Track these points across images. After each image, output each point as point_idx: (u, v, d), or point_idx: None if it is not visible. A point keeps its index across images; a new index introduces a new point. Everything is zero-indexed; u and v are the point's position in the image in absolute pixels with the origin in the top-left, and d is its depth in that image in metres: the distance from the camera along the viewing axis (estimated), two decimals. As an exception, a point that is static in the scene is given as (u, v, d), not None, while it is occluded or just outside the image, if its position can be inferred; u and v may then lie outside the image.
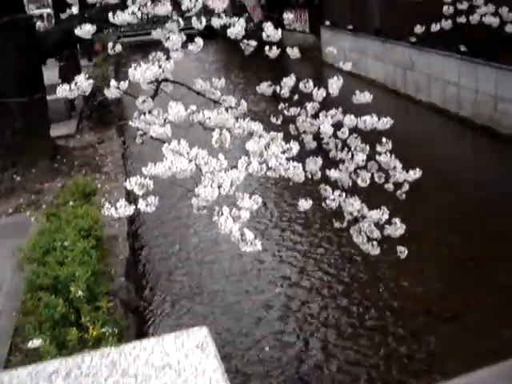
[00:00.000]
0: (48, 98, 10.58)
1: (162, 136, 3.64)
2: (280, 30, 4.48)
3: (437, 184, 8.58)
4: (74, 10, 8.46)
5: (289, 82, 4.76)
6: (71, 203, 6.43)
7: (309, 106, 4.55)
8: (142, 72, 3.70)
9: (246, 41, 4.70)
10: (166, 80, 4.48)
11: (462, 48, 11.75)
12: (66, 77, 15.25)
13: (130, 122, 3.87)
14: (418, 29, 7.05)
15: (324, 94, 4.67)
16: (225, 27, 4.11)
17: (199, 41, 3.89)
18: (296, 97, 4.72)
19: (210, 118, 3.71)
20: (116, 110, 12.42)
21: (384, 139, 4.44)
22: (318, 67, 21.86)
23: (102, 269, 5.36)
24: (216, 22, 3.98)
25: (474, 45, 11.26)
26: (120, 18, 3.90)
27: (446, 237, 7.49)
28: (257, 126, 3.96)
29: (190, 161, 3.29)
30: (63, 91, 3.84)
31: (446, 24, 6.37)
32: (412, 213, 5.79)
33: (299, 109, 4.55)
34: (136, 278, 6.79)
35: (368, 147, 4.49)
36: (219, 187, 3.13)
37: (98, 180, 8.13)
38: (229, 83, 15.90)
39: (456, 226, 7.74)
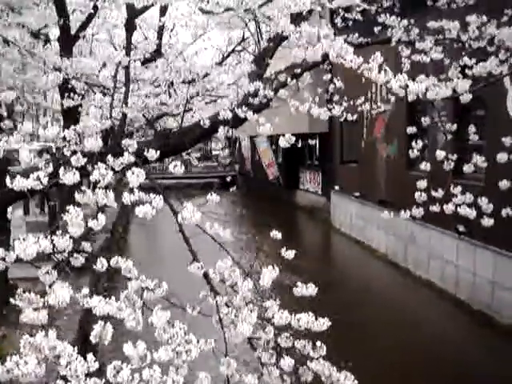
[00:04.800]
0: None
1: (35, 322, 3.11)
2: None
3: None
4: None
5: (223, 265, 4.20)
6: None
7: (237, 297, 4.00)
8: (25, 246, 3.23)
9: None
10: (78, 251, 4.03)
11: (461, 228, 11.32)
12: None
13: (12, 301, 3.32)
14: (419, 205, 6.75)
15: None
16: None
17: (101, 217, 3.43)
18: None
19: (95, 307, 3.18)
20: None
21: (318, 342, 3.84)
22: (325, 229, 21.65)
23: None
24: (127, 198, 3.55)
25: (472, 225, 10.83)
26: (20, 183, 3.50)
27: None
28: (161, 320, 3.41)
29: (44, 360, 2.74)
30: None
31: (435, 208, 6.18)
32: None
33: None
34: None
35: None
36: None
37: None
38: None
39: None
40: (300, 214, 25.59)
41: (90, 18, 11.00)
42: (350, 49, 3.98)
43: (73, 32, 11.06)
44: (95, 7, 10.90)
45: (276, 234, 4.75)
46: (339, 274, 15.16)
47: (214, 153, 49.18)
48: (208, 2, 3.46)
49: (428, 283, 12.96)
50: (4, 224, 8.86)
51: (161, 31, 10.29)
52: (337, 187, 20.03)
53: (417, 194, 6.56)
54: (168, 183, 38.11)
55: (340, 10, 9.30)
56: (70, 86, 7.73)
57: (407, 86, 3.98)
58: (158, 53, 9.96)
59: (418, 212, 6.35)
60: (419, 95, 4.69)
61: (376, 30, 7.65)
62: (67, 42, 10.85)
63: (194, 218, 3.62)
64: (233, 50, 15.04)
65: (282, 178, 29.49)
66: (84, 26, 11.09)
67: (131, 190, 3.54)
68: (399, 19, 6.91)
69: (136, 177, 3.55)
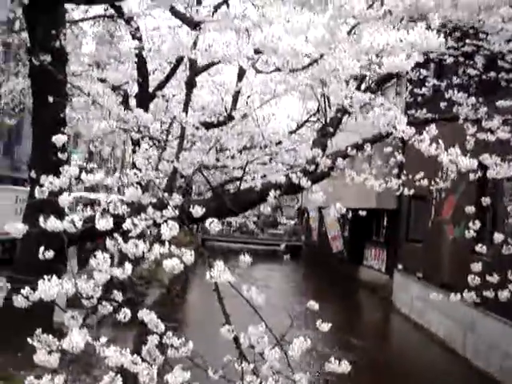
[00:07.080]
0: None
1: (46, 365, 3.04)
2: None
3: None
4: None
5: (254, 331, 4.01)
6: None
7: (265, 366, 3.82)
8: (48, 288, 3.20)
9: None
10: (108, 299, 3.96)
11: (524, 319, 10.75)
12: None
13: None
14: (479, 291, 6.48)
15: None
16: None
17: (128, 266, 3.37)
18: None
19: (108, 358, 3.09)
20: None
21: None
22: (385, 308, 21.05)
23: None
24: (156, 250, 3.48)
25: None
26: (53, 223, 3.50)
27: None
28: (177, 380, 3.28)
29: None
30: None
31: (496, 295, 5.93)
32: None
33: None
34: None
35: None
36: None
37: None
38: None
39: None
40: (361, 291, 25.05)
41: (167, 79, 11.34)
42: (404, 119, 3.87)
43: (151, 90, 11.39)
44: (173, 69, 11.22)
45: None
46: (391, 355, 14.54)
47: (282, 221, 49.20)
48: (257, 60, 3.44)
49: (486, 375, 12.26)
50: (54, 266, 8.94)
51: (236, 96, 10.45)
52: (400, 266, 19.54)
53: (477, 280, 6.30)
54: (233, 247, 38.19)
55: (408, 84, 9.24)
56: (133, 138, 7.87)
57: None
58: (229, 116, 10.09)
59: (471, 296, 6.04)
60: (479, 173, 4.53)
61: (442, 105, 7.53)
62: (144, 100, 11.19)
63: (222, 277, 3.50)
64: (307, 120, 15.15)
65: (346, 251, 29.07)
66: (161, 86, 11.43)
67: (162, 243, 3.48)
68: (467, 96, 6.77)
69: (169, 230, 3.49)
